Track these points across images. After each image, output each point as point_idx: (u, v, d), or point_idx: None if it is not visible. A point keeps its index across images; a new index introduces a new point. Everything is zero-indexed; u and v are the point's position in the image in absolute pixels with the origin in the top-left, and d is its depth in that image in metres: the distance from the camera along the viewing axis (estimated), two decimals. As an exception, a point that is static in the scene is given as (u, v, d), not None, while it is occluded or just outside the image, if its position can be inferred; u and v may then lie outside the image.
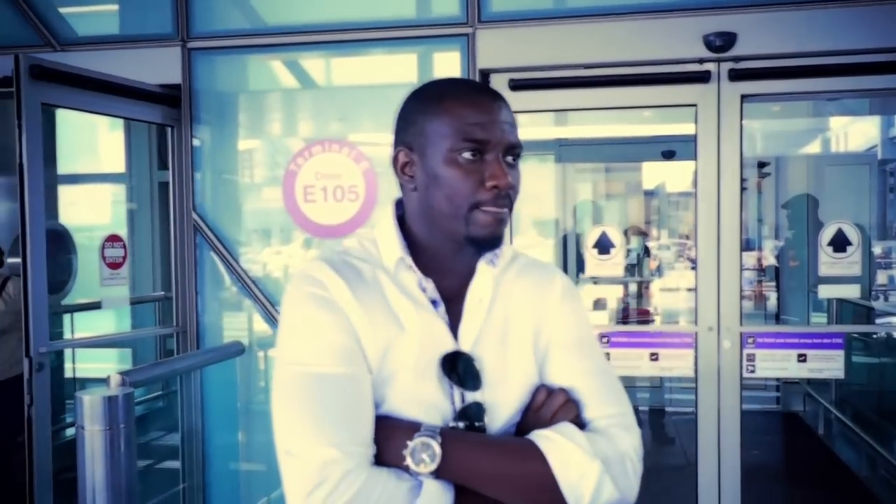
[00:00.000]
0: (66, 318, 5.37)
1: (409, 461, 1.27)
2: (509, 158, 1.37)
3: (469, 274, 1.43)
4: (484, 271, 1.43)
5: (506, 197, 1.36)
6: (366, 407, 1.29)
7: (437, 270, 1.41)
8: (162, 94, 4.11)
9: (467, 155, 1.34)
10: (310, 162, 4.00)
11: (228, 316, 4.20)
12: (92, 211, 5.91)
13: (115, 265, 4.09)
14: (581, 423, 1.39)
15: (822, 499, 5.43)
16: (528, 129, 7.39)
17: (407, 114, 1.42)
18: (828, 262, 3.95)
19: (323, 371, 1.28)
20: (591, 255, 4.15)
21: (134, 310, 5.20)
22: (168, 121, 4.18)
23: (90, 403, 3.03)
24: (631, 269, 7.37)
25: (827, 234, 3.95)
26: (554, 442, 1.32)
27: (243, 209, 4.19)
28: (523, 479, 1.30)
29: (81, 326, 5.26)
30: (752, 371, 3.88)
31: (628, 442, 1.38)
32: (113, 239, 4.11)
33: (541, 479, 1.29)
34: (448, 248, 1.41)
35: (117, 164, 5.55)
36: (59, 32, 4.26)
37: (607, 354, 3.94)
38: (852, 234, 3.93)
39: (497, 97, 1.40)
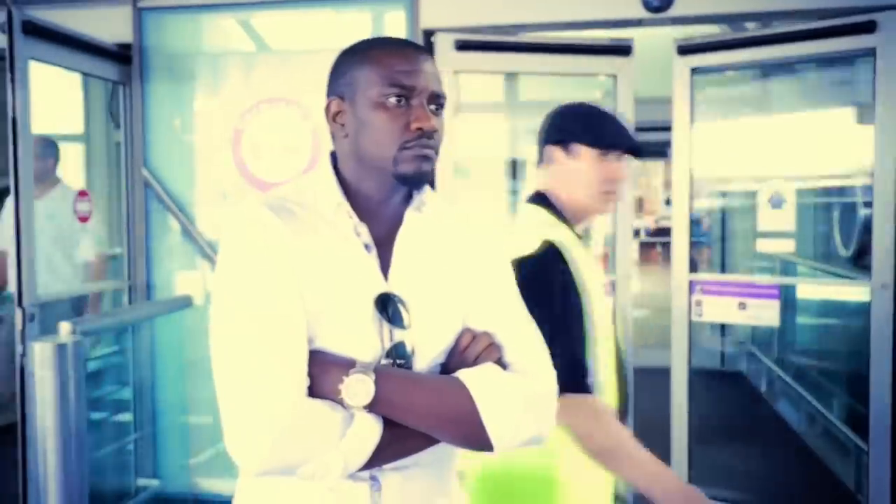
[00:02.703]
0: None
1: (344, 395, 1.34)
2: (433, 107, 1.45)
3: (398, 221, 1.50)
4: (411, 218, 1.50)
5: (430, 138, 1.43)
6: (300, 343, 1.36)
7: (368, 217, 1.47)
8: (119, 52, 4.17)
9: (393, 100, 1.41)
10: (257, 119, 4.07)
11: (180, 272, 4.29)
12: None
13: (84, 218, 4.37)
14: (502, 365, 1.48)
15: (763, 454, 5.59)
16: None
17: (338, 66, 1.50)
18: (765, 217, 4.21)
19: (258, 309, 1.34)
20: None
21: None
22: (122, 79, 4.23)
23: (41, 350, 3.13)
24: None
25: (766, 191, 4.18)
26: (479, 380, 1.40)
27: (193, 166, 4.26)
28: (450, 414, 1.38)
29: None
30: (700, 315, 4.28)
31: (546, 383, 1.48)
32: (82, 194, 4.38)
33: (466, 415, 1.38)
34: (378, 193, 1.47)
35: (76, 125, 5.56)
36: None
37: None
38: (789, 192, 4.16)
39: (422, 50, 1.49)
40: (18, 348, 3.40)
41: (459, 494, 1.62)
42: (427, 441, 1.42)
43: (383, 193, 1.48)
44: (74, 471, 3.17)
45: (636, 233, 16.71)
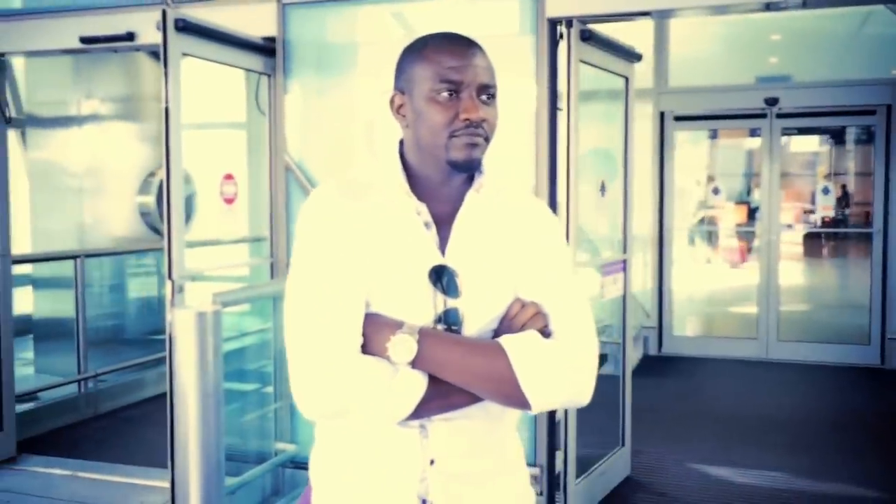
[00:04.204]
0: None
1: (390, 352, 1.53)
2: (483, 97, 1.61)
3: (460, 201, 1.66)
4: (471, 198, 1.66)
5: (478, 127, 1.58)
6: (356, 308, 1.56)
7: (430, 198, 1.64)
8: (265, 45, 4.47)
9: (445, 94, 1.58)
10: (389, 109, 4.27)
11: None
12: (216, 157, 6.33)
13: (229, 200, 4.57)
14: (547, 333, 1.62)
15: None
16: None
17: (400, 63, 1.69)
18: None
19: (321, 279, 1.55)
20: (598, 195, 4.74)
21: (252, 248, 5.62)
22: (267, 70, 4.53)
23: (183, 318, 3.45)
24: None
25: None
26: (518, 345, 1.56)
27: (331, 152, 4.51)
28: (487, 373, 1.54)
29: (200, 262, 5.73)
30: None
31: (586, 351, 1.62)
32: (228, 177, 4.60)
33: (502, 375, 1.53)
34: (437, 176, 1.64)
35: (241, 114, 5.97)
36: (171, -10, 4.66)
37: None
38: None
39: (472, 45, 1.64)
40: (168, 317, 3.71)
41: (514, 446, 1.76)
42: (471, 398, 1.58)
43: (442, 177, 1.64)
44: (212, 428, 3.48)
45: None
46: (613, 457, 4.77)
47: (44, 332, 6.85)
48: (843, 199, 8.98)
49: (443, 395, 1.56)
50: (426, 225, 1.63)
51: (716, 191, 9.00)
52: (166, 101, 3.80)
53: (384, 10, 4.52)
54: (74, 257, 6.26)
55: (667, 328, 8.49)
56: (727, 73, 8.59)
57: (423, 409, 1.55)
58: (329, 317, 1.53)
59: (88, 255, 6.42)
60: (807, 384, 7.37)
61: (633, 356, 8.00)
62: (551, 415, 4.18)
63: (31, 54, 5.84)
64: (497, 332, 1.63)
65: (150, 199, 7.18)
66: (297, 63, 4.51)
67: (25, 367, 6.82)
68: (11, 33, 4.90)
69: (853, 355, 8.07)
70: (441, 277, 1.59)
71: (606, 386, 4.98)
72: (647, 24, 8.06)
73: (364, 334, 1.55)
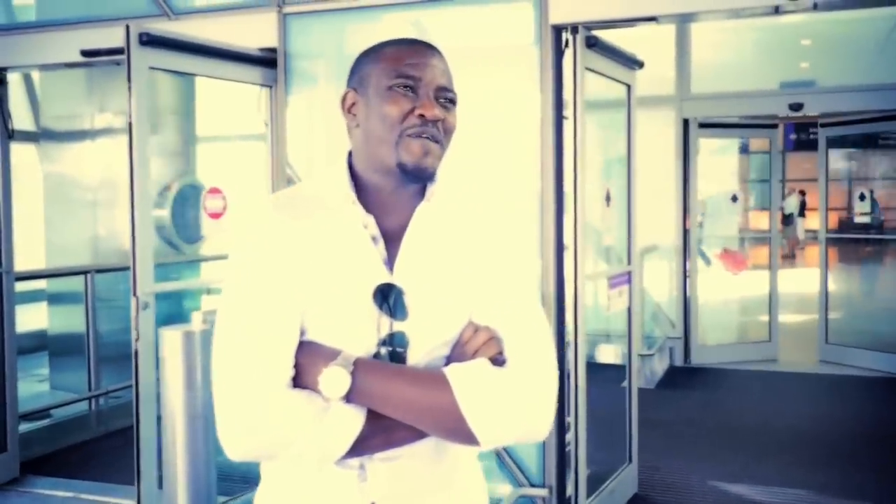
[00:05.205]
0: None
1: (321, 386, 1.39)
2: (442, 100, 1.49)
3: (411, 214, 1.52)
4: (423, 210, 1.52)
5: (434, 127, 1.46)
6: (286, 338, 1.42)
7: (379, 210, 1.51)
8: (258, 57, 4.36)
9: (401, 89, 1.47)
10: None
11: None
12: (237, 171, 6.25)
13: (215, 215, 4.40)
14: (501, 361, 1.48)
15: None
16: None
17: (356, 64, 1.58)
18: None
19: (253, 304, 1.42)
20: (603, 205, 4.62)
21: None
22: (267, 82, 4.43)
23: (170, 338, 3.36)
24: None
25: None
26: (463, 375, 1.42)
27: (335, 164, 4.40)
28: (429, 407, 1.40)
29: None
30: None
31: (543, 381, 1.46)
32: (213, 191, 4.41)
33: (446, 408, 1.39)
34: (387, 185, 1.51)
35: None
36: (173, 3, 4.59)
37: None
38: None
39: (432, 48, 1.53)
40: (133, 334, 3.62)
41: (471, 480, 1.62)
42: (416, 433, 1.44)
43: (392, 185, 1.51)
44: (201, 450, 3.39)
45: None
46: (621, 474, 4.61)
47: (59, 348, 6.81)
48: (876, 205, 8.77)
49: (384, 431, 1.42)
50: (373, 239, 1.49)
51: (734, 198, 8.81)
52: (130, 117, 3.74)
53: (393, 19, 4.41)
54: (84, 272, 6.20)
55: (693, 338, 8.29)
56: (751, 79, 8.39)
57: (364, 447, 1.42)
58: (256, 347, 1.40)
59: (99, 271, 6.35)
60: (838, 395, 7.16)
61: (659, 368, 7.82)
62: (560, 434, 4.05)
63: (32, 68, 5.81)
64: (449, 360, 1.49)
65: (165, 213, 7.12)
66: (299, 74, 4.42)
67: (41, 384, 6.80)
68: (12, 47, 4.87)
69: (889, 364, 7.82)
70: (387, 297, 1.45)
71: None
72: (669, 32, 7.90)
73: (297, 365, 1.42)
